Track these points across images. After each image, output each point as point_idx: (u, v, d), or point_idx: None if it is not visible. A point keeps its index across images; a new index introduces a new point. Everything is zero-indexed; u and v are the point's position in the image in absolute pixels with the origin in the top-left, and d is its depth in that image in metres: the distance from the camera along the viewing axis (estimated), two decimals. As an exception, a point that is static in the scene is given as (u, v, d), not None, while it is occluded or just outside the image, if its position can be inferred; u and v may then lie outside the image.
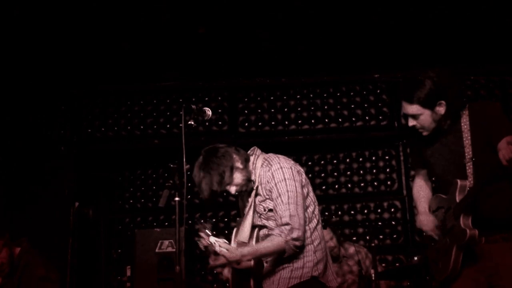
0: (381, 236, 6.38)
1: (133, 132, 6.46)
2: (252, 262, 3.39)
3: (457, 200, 3.12)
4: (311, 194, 3.57)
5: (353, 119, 6.45)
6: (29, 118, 6.38)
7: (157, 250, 5.61)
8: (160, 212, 6.45)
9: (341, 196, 6.54)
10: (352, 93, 6.49)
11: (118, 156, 6.56)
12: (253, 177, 3.54)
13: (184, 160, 3.27)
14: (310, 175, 6.38)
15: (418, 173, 3.56)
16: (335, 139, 6.49)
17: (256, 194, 3.53)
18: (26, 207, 6.06)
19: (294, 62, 6.28)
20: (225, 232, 5.97)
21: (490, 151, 2.95)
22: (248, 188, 3.55)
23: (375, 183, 6.50)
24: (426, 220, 3.37)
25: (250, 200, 3.55)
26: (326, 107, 6.48)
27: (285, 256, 3.39)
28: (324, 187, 6.52)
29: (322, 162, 6.61)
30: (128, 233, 6.29)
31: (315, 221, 3.52)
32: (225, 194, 6.19)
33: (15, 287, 4.67)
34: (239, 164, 3.50)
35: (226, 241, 3.40)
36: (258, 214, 3.53)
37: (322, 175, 6.57)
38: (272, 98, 6.52)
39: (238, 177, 3.49)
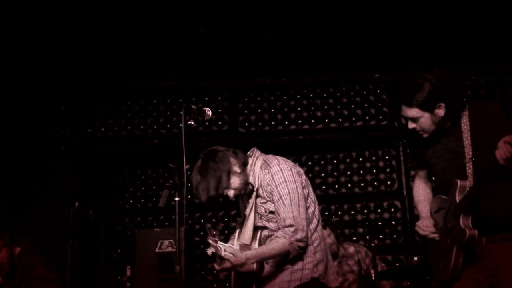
0: (381, 236, 6.37)
1: (133, 132, 6.46)
2: (254, 265, 3.39)
3: (457, 200, 3.12)
4: (312, 194, 3.57)
5: (353, 119, 6.44)
6: (29, 118, 6.38)
7: (157, 250, 5.60)
8: (160, 212, 6.45)
9: (341, 196, 6.54)
10: (352, 93, 6.49)
11: (118, 156, 6.56)
12: (251, 180, 3.53)
13: (184, 160, 3.27)
14: (310, 175, 6.38)
15: (418, 174, 3.56)
16: (335, 139, 6.49)
17: (257, 196, 3.53)
18: (26, 207, 6.06)
19: (294, 62, 6.28)
20: (225, 232, 5.97)
21: (490, 151, 2.95)
22: (246, 191, 3.56)
23: (375, 183, 6.50)
24: (423, 224, 3.37)
25: (250, 201, 3.55)
26: (326, 107, 6.48)
27: (289, 257, 3.39)
28: (324, 187, 6.52)
29: (322, 162, 6.61)
30: (128, 233, 6.29)
31: (315, 221, 3.52)
32: (221, 199, 6.27)
33: (15, 287, 4.68)
34: (236, 168, 3.49)
35: (232, 246, 3.40)
36: (259, 215, 3.53)
37: (322, 175, 6.57)
38: (272, 98, 6.52)
39: (235, 181, 3.49)
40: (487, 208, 3.11)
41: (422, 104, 3.17)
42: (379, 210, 6.44)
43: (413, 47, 5.95)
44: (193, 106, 3.45)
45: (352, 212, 6.48)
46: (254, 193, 3.53)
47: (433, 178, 3.50)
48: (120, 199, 6.62)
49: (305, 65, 6.33)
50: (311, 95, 6.51)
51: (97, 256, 6.21)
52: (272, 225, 3.49)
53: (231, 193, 3.53)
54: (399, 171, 6.48)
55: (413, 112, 3.22)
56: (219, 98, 6.53)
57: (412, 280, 5.26)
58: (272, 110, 6.50)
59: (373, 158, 6.55)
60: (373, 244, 5.44)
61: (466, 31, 5.76)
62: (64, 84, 6.41)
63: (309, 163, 6.57)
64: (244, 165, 3.52)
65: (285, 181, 3.42)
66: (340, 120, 6.45)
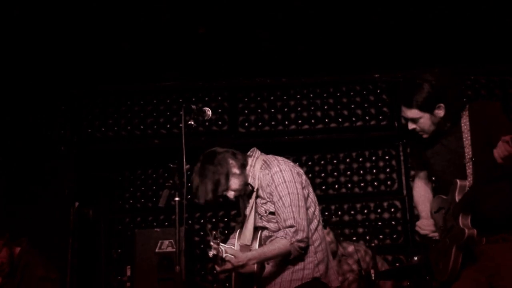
0: (381, 236, 6.37)
1: (133, 132, 6.46)
2: (255, 266, 3.39)
3: (457, 200, 3.12)
4: (312, 195, 3.57)
5: (353, 119, 6.44)
6: (29, 118, 6.38)
7: (157, 250, 5.61)
8: (160, 212, 6.45)
9: (341, 196, 6.54)
10: (352, 93, 6.49)
11: (118, 156, 6.56)
12: (250, 180, 3.54)
13: (184, 160, 3.27)
14: (310, 175, 6.38)
15: (418, 174, 3.56)
16: (335, 139, 6.49)
17: (257, 196, 3.53)
18: (26, 207, 6.06)
19: (294, 62, 6.28)
20: (225, 232, 5.97)
21: (490, 151, 2.94)
22: (246, 191, 3.56)
23: (375, 183, 6.50)
24: (424, 223, 3.38)
25: (251, 201, 3.55)
26: (326, 107, 6.48)
27: (290, 258, 3.40)
28: (324, 187, 6.52)
29: (322, 162, 6.61)
30: (128, 233, 6.29)
31: (315, 222, 3.52)
32: (221, 199, 6.27)
33: (15, 287, 4.68)
34: (235, 170, 3.50)
35: (233, 247, 3.40)
36: (259, 216, 3.53)
37: (322, 175, 6.57)
38: (272, 98, 6.52)
39: (234, 183, 3.50)
40: (487, 208, 3.11)
41: (421, 105, 3.17)
42: (379, 210, 6.44)
43: (413, 47, 5.95)
44: (193, 106, 3.45)
45: (352, 212, 6.48)
46: (254, 194, 3.53)
47: (433, 178, 3.50)
48: (120, 199, 6.62)
49: (305, 65, 6.33)
50: (311, 95, 6.51)
51: (97, 256, 6.21)
52: (272, 226, 3.49)
53: (231, 194, 3.54)
54: (399, 171, 6.48)
55: (412, 113, 3.22)
56: (219, 98, 6.53)
57: (412, 280, 5.25)
58: (272, 110, 6.50)
59: (373, 158, 6.55)
60: (373, 244, 5.45)
61: (466, 31, 5.76)
62: (64, 84, 6.41)
63: (309, 163, 6.57)
64: (243, 166, 3.53)
65: (285, 182, 3.42)
66: (340, 120, 6.45)
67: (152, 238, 5.67)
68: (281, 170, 3.45)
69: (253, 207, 3.52)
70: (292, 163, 3.57)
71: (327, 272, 3.49)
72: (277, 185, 3.42)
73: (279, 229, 3.43)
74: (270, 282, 3.45)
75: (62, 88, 6.44)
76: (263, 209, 3.50)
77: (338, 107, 6.47)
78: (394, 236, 6.38)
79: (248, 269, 3.37)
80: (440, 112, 3.19)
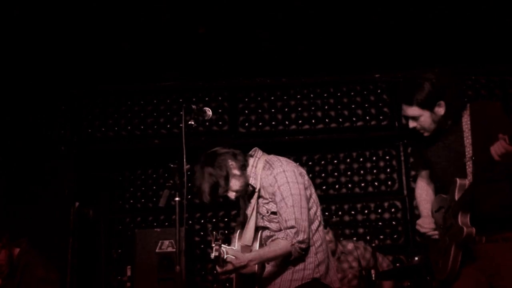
0: (381, 236, 6.37)
1: (133, 132, 6.46)
2: (256, 267, 3.39)
3: (456, 198, 3.12)
4: (314, 195, 3.57)
5: (354, 119, 6.45)
6: (29, 118, 6.38)
7: (157, 250, 5.61)
8: (160, 212, 6.45)
9: (342, 196, 6.54)
10: (352, 93, 6.49)
11: (118, 156, 6.56)
12: (252, 181, 3.54)
13: (185, 160, 3.27)
14: (310, 175, 6.31)
15: (420, 174, 3.57)
16: (335, 139, 6.49)
17: (259, 196, 3.53)
18: (26, 207, 6.06)
19: (294, 62, 6.28)
20: (225, 232, 5.97)
21: (490, 151, 2.95)
22: (247, 192, 3.56)
23: (376, 183, 6.50)
24: (424, 222, 3.38)
25: (252, 201, 3.55)
26: (326, 107, 6.48)
27: (291, 259, 3.40)
28: (324, 187, 6.52)
29: (323, 162, 6.61)
30: (128, 233, 6.30)
31: (316, 222, 3.52)
32: (221, 199, 6.26)
33: (15, 287, 4.67)
34: (236, 171, 3.50)
35: (233, 248, 3.40)
36: (261, 216, 3.53)
37: (323, 175, 6.57)
38: (272, 98, 6.52)
39: (235, 184, 3.50)
40: (487, 208, 3.12)
41: (422, 102, 3.18)
42: (379, 210, 6.44)
43: (413, 47, 5.95)
44: (193, 106, 3.44)
45: (353, 212, 6.48)
46: (256, 194, 3.53)
47: (435, 177, 3.49)
48: (120, 199, 6.62)
49: (305, 65, 6.33)
50: (312, 95, 6.51)
51: (97, 256, 6.21)
52: (273, 226, 3.49)
53: (232, 195, 3.55)
54: (400, 171, 6.48)
55: (413, 110, 3.22)
56: (219, 98, 6.53)
57: (413, 280, 5.26)
58: (273, 110, 6.50)
59: (374, 158, 6.55)
60: (373, 244, 5.44)
61: (466, 31, 5.76)
62: (64, 84, 6.40)
63: (310, 163, 6.57)
64: (243, 167, 3.53)
65: (288, 182, 3.42)
66: (340, 120, 6.45)
67: (152, 238, 5.68)
68: (284, 171, 3.45)
69: (255, 207, 3.52)
70: (294, 164, 3.57)
71: (328, 273, 3.49)
72: (280, 186, 3.42)
73: (281, 229, 3.42)
74: (271, 282, 3.45)
75: (62, 88, 6.44)
76: (264, 209, 3.50)
77: (339, 107, 6.47)
78: (395, 236, 6.38)
79: (249, 270, 3.37)
80: (441, 110, 3.19)
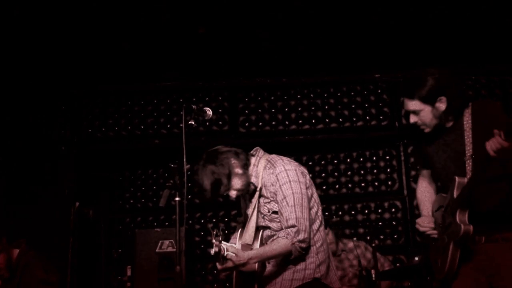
0: (381, 236, 6.37)
1: (134, 132, 6.46)
2: (256, 265, 3.39)
3: (455, 196, 3.13)
4: (315, 195, 3.57)
5: (354, 119, 6.45)
6: (29, 118, 6.38)
7: (157, 250, 5.61)
8: (160, 212, 6.45)
9: (342, 196, 6.54)
10: (352, 93, 6.49)
11: (118, 156, 6.56)
12: (253, 180, 3.54)
13: (185, 160, 3.27)
14: (310, 175, 6.33)
15: (422, 173, 3.57)
16: (335, 139, 6.49)
17: (260, 196, 3.53)
18: (26, 207, 6.06)
19: (294, 62, 6.28)
20: (225, 232, 5.96)
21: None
22: (249, 191, 3.56)
23: (376, 183, 6.50)
24: (424, 220, 3.38)
25: (253, 201, 3.55)
26: (326, 107, 6.48)
27: (291, 258, 3.40)
28: (324, 187, 6.52)
29: (323, 162, 6.61)
30: (129, 233, 6.30)
31: (318, 222, 3.52)
32: (221, 199, 6.24)
33: (15, 287, 4.67)
34: (238, 170, 3.50)
35: (234, 245, 3.40)
36: (262, 215, 3.53)
37: (323, 175, 6.57)
38: (272, 98, 6.52)
39: (237, 183, 3.50)
40: (487, 208, 3.12)
41: (423, 96, 3.19)
42: (379, 210, 6.44)
43: (413, 47, 5.95)
44: (193, 106, 3.44)
45: (353, 212, 6.48)
46: (257, 193, 3.53)
47: (435, 176, 3.49)
48: (120, 199, 6.63)
49: (306, 65, 6.33)
50: (312, 95, 6.51)
51: (98, 256, 6.21)
52: (274, 225, 3.49)
53: (233, 194, 3.54)
54: (400, 171, 6.48)
55: (414, 104, 3.23)
56: (220, 98, 6.53)
57: (413, 280, 5.26)
58: (273, 110, 6.50)
59: (374, 158, 6.56)
60: (373, 245, 5.45)
61: (466, 31, 5.76)
62: (64, 84, 6.40)
63: (310, 163, 6.57)
64: (245, 166, 3.53)
65: (290, 182, 3.42)
66: (340, 120, 6.45)
67: (152, 238, 5.68)
68: (286, 170, 3.45)
69: (256, 207, 3.52)
70: (296, 163, 3.57)
71: (328, 273, 3.49)
72: (282, 185, 3.42)
73: (282, 229, 3.42)
74: (271, 281, 3.45)
75: (62, 88, 6.44)
76: (266, 208, 3.50)
77: (339, 107, 6.47)
78: (395, 236, 6.38)
79: (249, 268, 3.37)
80: (442, 106, 3.19)
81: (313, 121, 6.45)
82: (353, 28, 5.78)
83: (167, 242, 5.62)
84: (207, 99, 6.48)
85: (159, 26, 5.60)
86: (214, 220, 6.51)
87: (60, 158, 6.34)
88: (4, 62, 5.88)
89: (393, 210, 6.43)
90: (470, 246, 3.14)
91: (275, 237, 3.47)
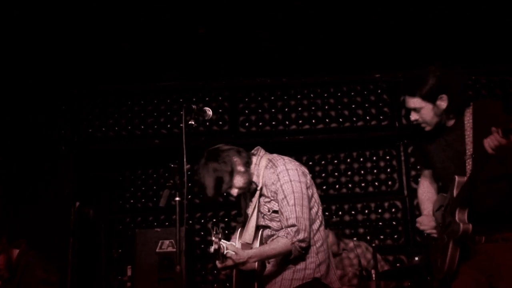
0: (382, 236, 6.37)
1: (134, 132, 6.46)
2: (256, 264, 3.39)
3: (455, 195, 3.13)
4: (316, 195, 3.57)
5: (354, 119, 6.45)
6: (29, 118, 6.38)
7: (157, 250, 5.61)
8: (160, 212, 6.45)
9: (342, 196, 6.54)
10: (353, 93, 6.49)
11: (118, 156, 6.56)
12: (255, 179, 3.54)
13: (185, 160, 3.27)
14: (310, 175, 6.36)
15: (424, 173, 3.57)
16: (336, 139, 6.49)
17: (261, 195, 3.53)
18: (26, 207, 6.06)
19: (294, 62, 6.28)
20: (225, 232, 5.96)
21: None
22: (250, 190, 3.56)
23: (376, 183, 6.51)
24: (424, 220, 3.38)
25: (254, 200, 3.55)
26: (327, 107, 6.48)
27: (291, 257, 3.40)
28: (324, 187, 6.52)
29: (323, 162, 6.61)
30: (129, 233, 6.30)
31: (318, 222, 3.52)
32: (221, 199, 6.24)
33: (15, 287, 4.67)
34: (240, 168, 3.49)
35: (234, 244, 3.40)
36: (262, 215, 3.53)
37: (323, 175, 6.57)
38: (272, 98, 6.52)
39: (238, 181, 3.49)
40: (487, 208, 3.11)
41: (424, 94, 3.19)
42: (380, 210, 6.44)
43: (413, 47, 5.95)
44: (193, 106, 3.44)
45: (353, 212, 6.48)
46: (258, 192, 3.53)
47: (436, 176, 3.49)
48: (120, 199, 6.63)
49: (306, 65, 6.33)
50: (312, 95, 6.51)
51: (98, 256, 6.21)
52: (274, 225, 3.49)
53: (234, 192, 3.53)
54: (400, 171, 6.48)
55: (415, 102, 3.23)
56: (220, 98, 6.53)
57: (413, 280, 5.26)
58: (273, 110, 6.50)
59: (374, 158, 6.56)
60: (373, 245, 5.45)
61: (466, 31, 5.76)
62: (64, 84, 6.41)
63: (310, 163, 6.57)
64: (247, 164, 3.52)
65: (291, 181, 3.42)
66: (340, 120, 6.45)
67: (152, 238, 5.68)
68: (287, 169, 3.45)
69: (256, 206, 3.52)
70: (297, 163, 3.57)
71: (328, 273, 3.49)
72: (283, 184, 3.42)
73: (282, 228, 3.42)
74: (271, 281, 3.45)
75: (62, 88, 6.44)
76: (266, 207, 3.50)
77: (339, 107, 6.48)
78: (395, 236, 6.38)
79: (249, 267, 3.37)
80: (443, 104, 3.19)
81: (313, 121, 6.45)
82: (353, 28, 5.78)
83: (167, 242, 5.62)
84: (207, 99, 6.48)
85: (159, 26, 5.60)
86: (214, 220, 6.51)
87: (60, 158, 6.34)
88: (4, 62, 5.88)
89: (393, 210, 6.43)
90: (470, 246, 3.14)
91: (275, 236, 3.47)
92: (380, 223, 6.41)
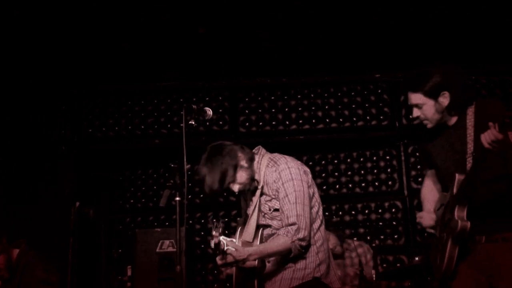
0: (382, 237, 6.37)
1: (134, 132, 6.46)
2: (256, 262, 3.39)
3: (454, 193, 3.13)
4: (316, 194, 3.57)
5: (354, 119, 6.45)
6: (29, 118, 6.38)
7: (157, 250, 5.61)
8: (160, 212, 6.45)
9: (342, 196, 6.54)
10: (353, 93, 6.49)
11: (118, 156, 6.56)
12: (257, 177, 3.53)
13: (185, 160, 3.27)
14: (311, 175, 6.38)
15: (427, 173, 3.57)
16: (336, 139, 6.49)
17: (262, 194, 3.53)
18: (26, 207, 6.06)
19: (294, 62, 6.28)
20: (225, 232, 5.96)
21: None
22: (251, 187, 3.55)
23: (376, 183, 6.50)
24: (425, 216, 3.38)
25: (254, 199, 3.55)
26: (327, 107, 6.48)
27: (291, 256, 3.39)
28: (325, 187, 6.52)
29: (323, 162, 6.61)
30: (129, 233, 6.30)
31: (318, 221, 3.52)
32: (225, 194, 6.24)
33: (15, 287, 4.67)
34: (243, 163, 3.49)
35: (234, 240, 3.40)
36: (263, 214, 3.53)
37: (323, 175, 6.57)
38: (272, 98, 6.52)
39: (242, 176, 3.48)
40: (487, 208, 3.11)
41: (426, 90, 3.20)
42: (380, 210, 6.44)
43: (413, 47, 5.95)
44: (193, 106, 3.44)
45: (353, 212, 6.48)
46: (259, 191, 3.53)
47: (438, 175, 3.49)
48: (120, 199, 6.63)
49: (306, 65, 6.33)
50: (312, 95, 6.51)
51: (98, 256, 6.21)
52: (275, 223, 3.48)
53: (236, 187, 3.51)
54: (400, 171, 6.48)
55: (417, 97, 3.24)
56: (220, 98, 6.53)
57: (413, 280, 5.26)
58: (273, 110, 6.50)
59: (374, 158, 6.55)
60: (374, 245, 5.45)
61: (466, 31, 5.76)
62: (64, 84, 6.41)
63: (310, 163, 6.56)
64: (251, 160, 3.52)
65: (292, 179, 3.42)
66: (341, 120, 6.45)
67: (152, 238, 5.67)
68: (288, 168, 3.45)
69: (257, 205, 3.52)
70: (299, 162, 3.57)
71: (329, 272, 3.49)
72: (284, 182, 3.42)
73: (282, 227, 3.42)
74: (271, 279, 3.45)
75: (62, 88, 6.45)
76: (267, 206, 3.50)
77: (339, 107, 6.48)
78: (395, 236, 6.38)
79: (249, 265, 3.37)
80: (445, 101, 3.20)
81: (314, 121, 6.45)
82: (353, 28, 5.78)
83: (167, 242, 5.62)
84: (207, 99, 6.48)
85: (159, 26, 5.60)
86: (214, 220, 6.49)
87: (60, 158, 6.34)
88: (4, 62, 5.88)
89: (393, 210, 6.43)
90: (470, 246, 3.14)
91: (275, 235, 3.47)
92: (381, 223, 6.41)
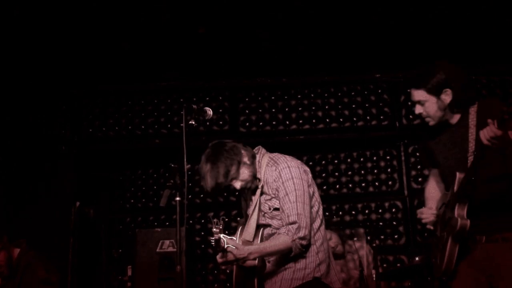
0: (382, 237, 6.37)
1: (134, 132, 6.46)
2: (256, 261, 3.39)
3: (455, 191, 3.13)
4: (316, 194, 3.58)
5: (354, 119, 6.45)
6: (29, 118, 6.38)
7: (158, 250, 5.61)
8: (161, 212, 6.45)
9: (342, 196, 6.54)
10: (353, 93, 6.49)
11: (119, 156, 6.56)
12: (258, 175, 3.54)
13: (185, 159, 3.27)
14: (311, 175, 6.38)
15: (432, 172, 3.57)
16: (336, 139, 6.49)
17: (262, 193, 3.53)
18: (26, 207, 6.06)
19: (294, 62, 6.28)
20: (225, 232, 5.96)
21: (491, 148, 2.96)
22: (252, 185, 3.55)
23: (376, 183, 6.50)
24: (426, 211, 3.38)
25: (254, 198, 3.55)
26: (327, 107, 6.48)
27: (291, 255, 3.39)
28: (325, 187, 6.52)
29: (323, 162, 6.61)
30: (129, 233, 6.30)
31: (318, 221, 3.52)
32: (225, 194, 6.24)
33: (15, 287, 4.67)
34: (246, 160, 3.50)
35: (235, 239, 3.40)
36: (263, 213, 3.53)
37: (323, 175, 6.57)
38: (273, 98, 6.52)
39: (244, 173, 3.49)
40: (487, 208, 3.11)
41: (429, 86, 3.22)
42: (380, 211, 6.44)
43: (413, 47, 5.95)
44: (194, 106, 3.44)
45: (353, 212, 6.48)
46: (259, 191, 3.53)
47: (441, 174, 3.49)
48: (121, 199, 6.63)
49: (306, 65, 6.33)
50: (312, 95, 6.51)
51: (98, 255, 6.21)
52: (275, 223, 3.49)
53: (238, 184, 3.51)
54: (400, 171, 6.48)
55: (419, 94, 3.25)
56: (220, 98, 6.53)
57: (414, 280, 5.26)
58: (273, 110, 6.50)
59: (374, 158, 6.55)
60: (374, 245, 5.45)
61: (466, 31, 5.76)
62: (64, 84, 6.41)
63: (310, 163, 6.56)
64: (253, 157, 3.53)
65: (292, 178, 3.42)
66: (341, 120, 6.45)
67: (153, 238, 5.68)
68: (289, 167, 3.46)
69: (257, 205, 3.52)
70: (299, 161, 3.58)
71: (329, 272, 3.49)
72: (284, 181, 3.42)
73: (283, 226, 3.42)
74: (271, 279, 3.45)
75: (62, 88, 6.45)
76: (267, 205, 3.51)
77: (339, 107, 6.47)
78: (396, 236, 6.38)
79: (249, 263, 3.37)
80: (447, 98, 3.21)
81: (314, 121, 6.45)
82: (353, 28, 5.78)
83: (167, 242, 5.62)
84: (207, 99, 6.48)
85: (159, 26, 5.60)
86: (214, 220, 6.49)
87: (60, 158, 6.34)
88: (4, 62, 5.88)
89: (393, 210, 6.43)
90: (470, 246, 3.14)
91: (276, 234, 3.47)
92: (381, 223, 6.41)
